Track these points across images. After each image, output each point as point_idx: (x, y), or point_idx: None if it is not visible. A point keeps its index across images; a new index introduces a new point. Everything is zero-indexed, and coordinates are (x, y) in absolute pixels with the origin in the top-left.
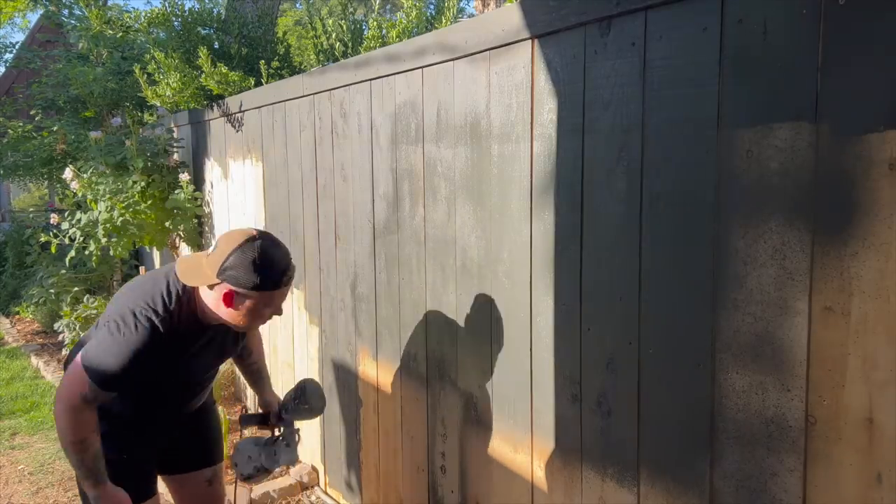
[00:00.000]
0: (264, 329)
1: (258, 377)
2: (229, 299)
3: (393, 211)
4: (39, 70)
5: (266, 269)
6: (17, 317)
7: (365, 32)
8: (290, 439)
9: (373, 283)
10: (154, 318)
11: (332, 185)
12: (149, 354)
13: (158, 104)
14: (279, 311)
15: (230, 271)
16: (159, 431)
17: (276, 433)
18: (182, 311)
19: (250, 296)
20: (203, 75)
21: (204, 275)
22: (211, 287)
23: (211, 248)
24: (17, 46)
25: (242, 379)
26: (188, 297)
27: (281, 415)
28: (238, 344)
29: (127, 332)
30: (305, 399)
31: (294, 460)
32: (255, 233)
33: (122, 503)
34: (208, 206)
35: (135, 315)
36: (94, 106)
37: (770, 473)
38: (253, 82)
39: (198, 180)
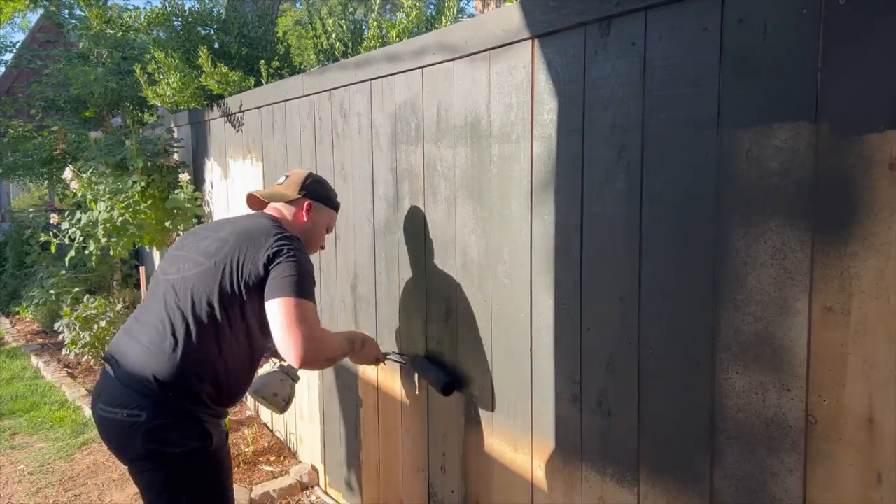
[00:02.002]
0: None
1: None
2: (309, 211)
3: (393, 211)
4: (40, 70)
5: (333, 191)
6: (17, 317)
7: (365, 32)
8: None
9: (373, 283)
10: (296, 239)
11: (333, 185)
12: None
13: (158, 104)
14: (324, 245)
15: (312, 188)
16: None
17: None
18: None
19: (324, 210)
20: (203, 75)
21: (285, 195)
22: (290, 203)
23: (280, 181)
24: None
25: None
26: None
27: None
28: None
29: (296, 246)
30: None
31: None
32: (309, 170)
33: (371, 341)
34: (208, 206)
35: (288, 238)
36: (95, 106)
37: (770, 473)
38: (253, 82)
39: (198, 180)
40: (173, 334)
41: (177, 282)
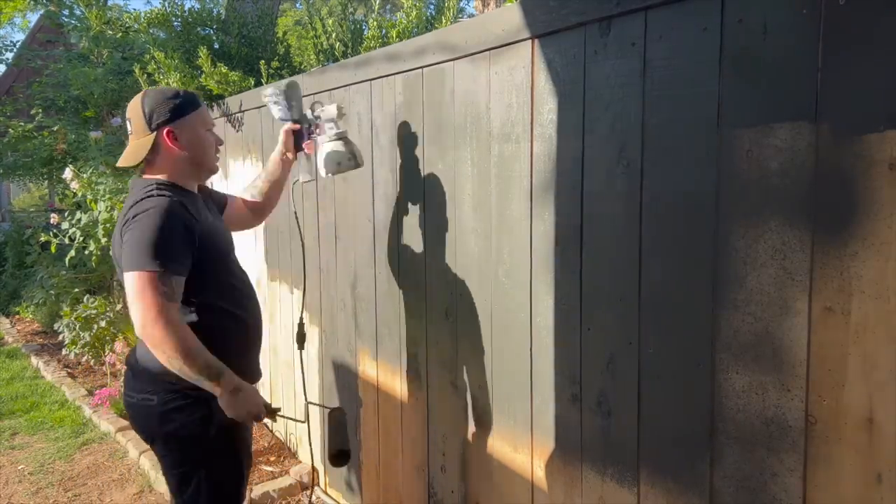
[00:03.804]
0: (265, 328)
1: (270, 176)
2: (171, 138)
3: (393, 211)
4: (40, 70)
5: (177, 94)
6: (17, 317)
7: (365, 32)
8: (325, 118)
9: (373, 283)
10: (156, 192)
11: (333, 184)
12: (177, 214)
13: None
14: (219, 139)
15: (156, 116)
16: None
17: (320, 134)
18: (165, 189)
19: (185, 122)
20: (203, 75)
21: (140, 144)
22: (152, 149)
23: (129, 130)
24: (17, 46)
25: None
26: (157, 181)
27: (307, 126)
28: (221, 213)
29: (147, 208)
30: (288, 95)
31: (336, 111)
32: (143, 91)
33: (250, 390)
34: None
35: (143, 201)
36: (95, 106)
37: (770, 473)
38: (253, 82)
39: None
40: None
41: None
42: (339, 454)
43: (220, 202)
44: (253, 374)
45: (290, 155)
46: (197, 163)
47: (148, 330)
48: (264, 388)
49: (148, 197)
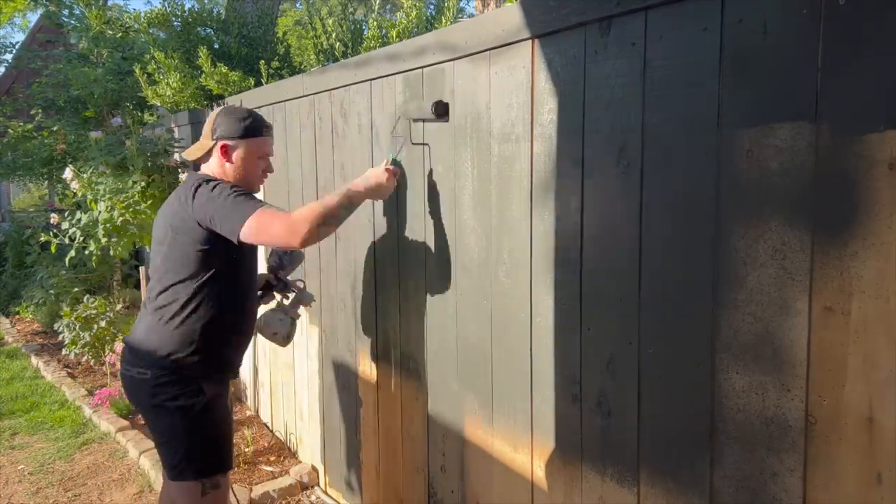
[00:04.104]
0: None
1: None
2: (225, 152)
3: (393, 211)
4: (40, 70)
5: (246, 118)
6: (17, 317)
7: (365, 32)
8: (298, 292)
9: (373, 283)
10: (212, 178)
11: (332, 184)
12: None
13: (158, 104)
14: (270, 167)
15: (220, 129)
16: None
17: (284, 298)
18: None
19: (243, 143)
20: (203, 75)
21: (202, 145)
22: (210, 153)
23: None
24: (17, 46)
25: (242, 380)
26: (212, 175)
27: (278, 276)
28: None
29: (212, 181)
30: (286, 254)
31: (311, 299)
32: (223, 105)
33: (372, 175)
34: None
35: (202, 181)
36: (95, 106)
37: (770, 473)
38: (253, 82)
39: None
40: (163, 307)
41: (154, 257)
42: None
43: None
44: (233, 367)
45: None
46: (238, 179)
47: (298, 235)
48: (264, 387)
49: (206, 179)
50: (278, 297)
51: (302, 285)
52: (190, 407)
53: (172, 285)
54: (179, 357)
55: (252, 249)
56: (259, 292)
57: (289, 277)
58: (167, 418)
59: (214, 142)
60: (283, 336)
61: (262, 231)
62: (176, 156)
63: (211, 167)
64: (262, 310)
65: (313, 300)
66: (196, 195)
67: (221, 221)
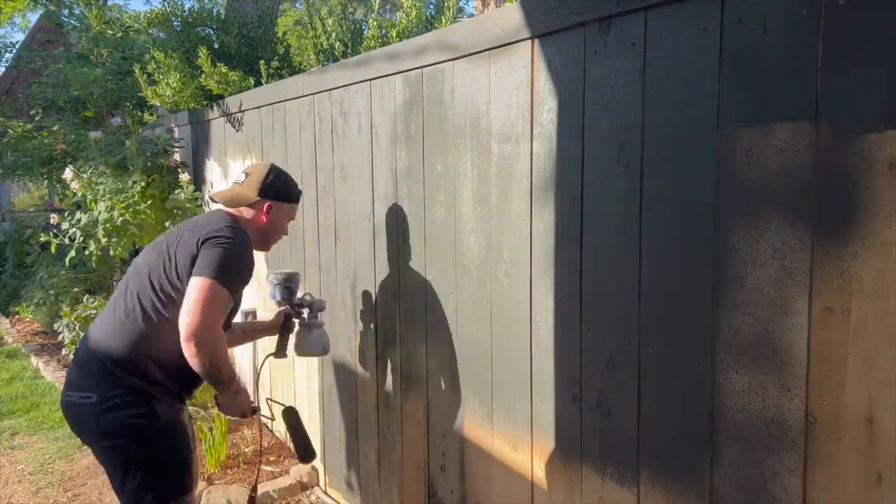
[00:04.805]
0: None
1: (252, 329)
2: (269, 211)
3: (393, 211)
4: (39, 70)
5: (295, 185)
6: (17, 317)
7: (365, 32)
8: (313, 303)
9: (373, 283)
10: (240, 229)
11: (332, 185)
12: (251, 256)
13: (158, 104)
14: (286, 231)
15: (274, 192)
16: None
17: (300, 320)
18: (244, 232)
19: (286, 208)
20: (203, 75)
21: (245, 197)
22: (250, 206)
23: (241, 179)
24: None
25: (242, 380)
26: (239, 222)
27: (292, 303)
28: None
29: (236, 236)
30: (288, 281)
31: (324, 302)
32: (270, 163)
33: (245, 393)
34: (208, 206)
35: (231, 229)
36: (94, 106)
37: (770, 473)
38: (253, 82)
39: (198, 180)
40: (125, 316)
41: (138, 270)
42: (306, 453)
43: None
44: (191, 391)
45: (274, 331)
46: (263, 237)
47: (201, 335)
48: (265, 388)
49: (232, 227)
50: (297, 320)
51: (310, 297)
52: (143, 428)
53: (152, 310)
54: (135, 382)
55: (237, 302)
56: (281, 323)
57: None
58: (121, 442)
59: (260, 199)
60: (326, 348)
61: (203, 299)
62: (176, 156)
63: (242, 217)
64: (292, 339)
65: (325, 302)
66: (206, 246)
67: (194, 275)
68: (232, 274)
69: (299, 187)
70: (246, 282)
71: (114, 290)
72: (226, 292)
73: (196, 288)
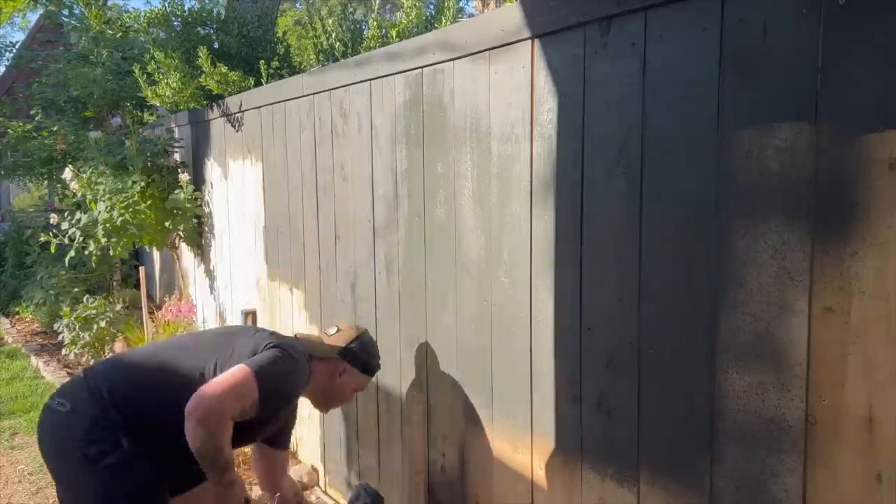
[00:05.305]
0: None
1: (284, 464)
2: (341, 374)
3: (393, 211)
4: (39, 70)
5: (377, 358)
6: (17, 317)
7: (365, 32)
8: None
9: (372, 283)
10: (311, 366)
11: (332, 185)
12: (298, 394)
13: (158, 104)
14: (349, 400)
15: (353, 354)
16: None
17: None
18: (311, 372)
19: (359, 377)
20: (203, 75)
21: (324, 350)
22: (324, 359)
23: (331, 331)
24: (17, 46)
25: None
26: (313, 361)
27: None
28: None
29: (297, 362)
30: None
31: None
32: (364, 329)
33: (240, 485)
34: (208, 206)
35: (303, 361)
36: (94, 106)
37: (770, 473)
38: (253, 82)
39: (197, 180)
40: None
41: (194, 341)
42: None
43: None
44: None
45: None
46: (324, 394)
47: (213, 405)
48: None
49: (303, 361)
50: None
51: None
52: (122, 467)
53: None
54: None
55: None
56: None
57: None
58: (99, 476)
59: (339, 357)
60: None
61: (235, 383)
62: (175, 156)
63: (315, 367)
64: None
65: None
66: (268, 349)
67: (219, 369)
68: (272, 388)
69: (378, 363)
70: (276, 413)
71: (114, 289)
72: (255, 394)
73: (234, 370)
